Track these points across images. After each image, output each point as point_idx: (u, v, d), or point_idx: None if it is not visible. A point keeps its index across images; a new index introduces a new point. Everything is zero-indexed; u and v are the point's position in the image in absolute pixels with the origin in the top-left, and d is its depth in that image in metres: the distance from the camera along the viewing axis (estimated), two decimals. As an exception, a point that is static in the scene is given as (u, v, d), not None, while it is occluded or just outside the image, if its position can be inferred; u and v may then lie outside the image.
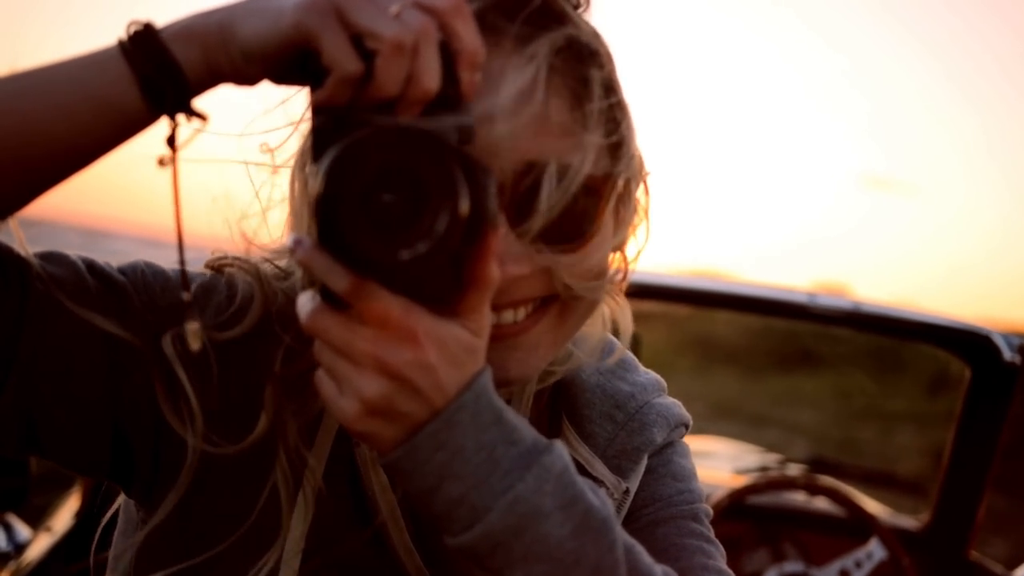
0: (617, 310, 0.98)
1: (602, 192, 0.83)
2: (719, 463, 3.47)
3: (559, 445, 0.73)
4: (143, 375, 0.83)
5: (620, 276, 0.93)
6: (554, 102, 0.79)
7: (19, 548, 2.14)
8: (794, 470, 3.55)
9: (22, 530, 2.19)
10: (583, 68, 0.81)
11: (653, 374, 1.06)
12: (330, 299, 0.68)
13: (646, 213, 0.93)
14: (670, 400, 1.04)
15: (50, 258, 0.83)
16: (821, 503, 2.96)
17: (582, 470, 0.95)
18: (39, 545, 2.14)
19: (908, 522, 3.01)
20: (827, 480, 3.00)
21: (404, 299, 0.67)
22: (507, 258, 0.79)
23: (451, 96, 0.70)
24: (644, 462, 0.99)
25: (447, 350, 0.69)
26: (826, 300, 2.83)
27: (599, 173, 0.82)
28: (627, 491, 0.97)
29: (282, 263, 0.92)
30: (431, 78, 0.68)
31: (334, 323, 0.68)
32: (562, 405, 1.00)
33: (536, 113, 0.78)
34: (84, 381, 0.81)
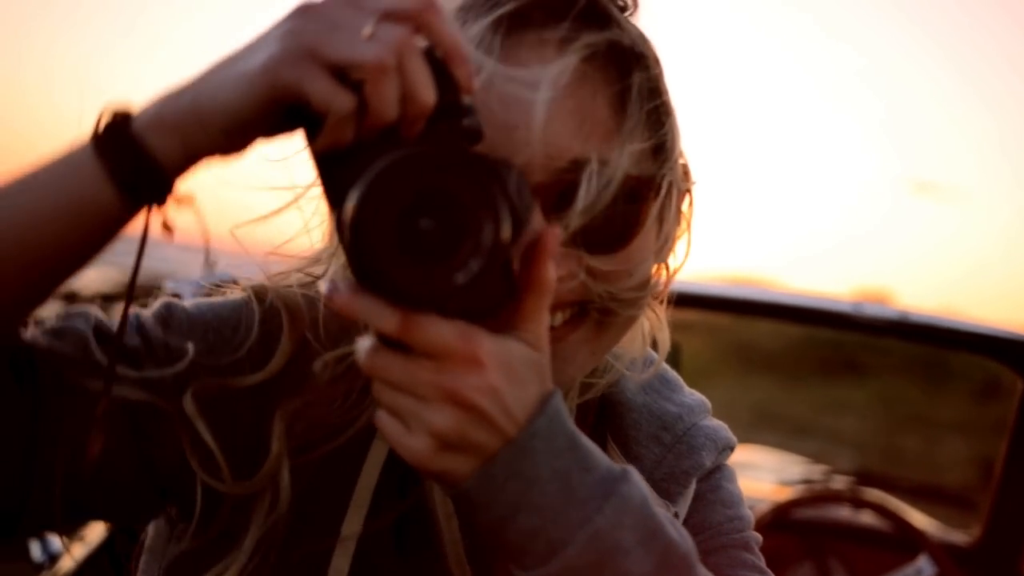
0: (656, 324, 0.95)
1: (644, 194, 0.81)
2: (761, 474, 3.42)
3: (634, 473, 0.71)
4: (169, 433, 0.81)
5: (661, 289, 0.90)
6: (596, 101, 0.78)
7: (53, 558, 2.14)
8: (839, 482, 3.48)
9: (55, 540, 2.20)
10: (627, 69, 0.79)
11: (698, 395, 1.02)
12: (384, 338, 0.66)
13: (689, 225, 0.89)
14: (716, 422, 1.01)
15: (61, 333, 0.80)
16: (868, 517, 2.89)
17: None
18: (73, 555, 2.15)
19: (958, 537, 2.93)
20: (874, 494, 2.93)
21: (460, 322, 0.65)
22: None
23: (450, 101, 0.66)
24: (693, 486, 0.95)
25: (512, 371, 0.66)
26: (872, 309, 2.77)
27: (641, 174, 0.79)
28: (675, 516, 0.93)
29: (317, 270, 0.89)
30: (426, 91, 0.65)
31: (392, 361, 0.66)
32: (607, 425, 0.97)
33: (577, 111, 0.77)
34: (112, 458, 0.79)
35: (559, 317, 0.81)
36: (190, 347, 0.83)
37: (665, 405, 0.98)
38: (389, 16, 0.64)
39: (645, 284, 0.84)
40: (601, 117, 0.78)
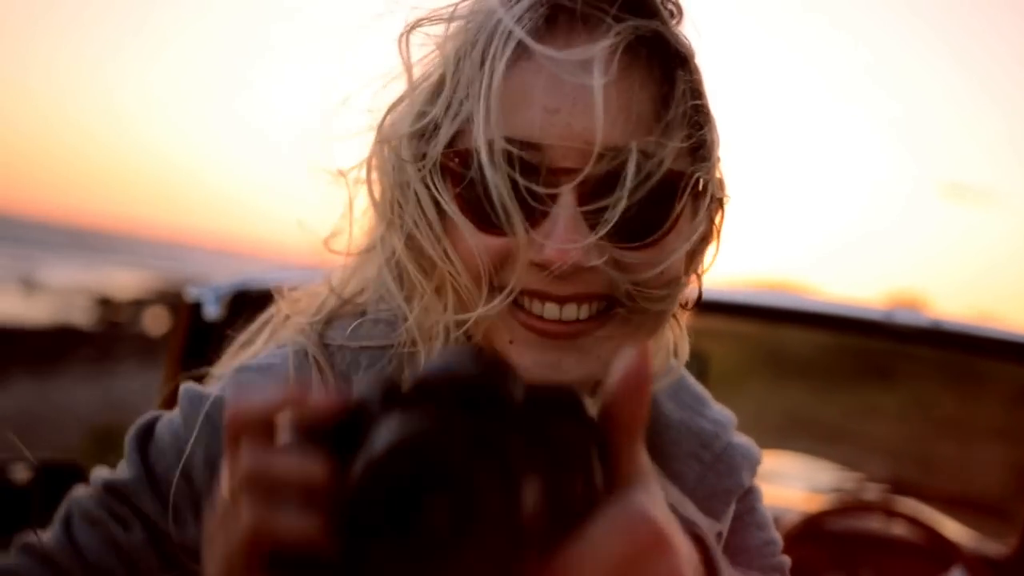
0: (678, 334, 0.95)
1: (679, 191, 0.80)
2: (792, 482, 3.38)
3: None
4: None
5: (689, 296, 0.89)
6: (639, 92, 0.77)
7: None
8: (870, 491, 3.44)
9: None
10: (671, 65, 0.79)
11: (725, 409, 1.02)
12: None
13: (719, 234, 0.89)
14: (746, 438, 1.01)
15: (69, 524, 0.80)
16: (900, 528, 2.85)
17: (671, 510, 0.92)
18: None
19: (993, 548, 2.88)
20: (906, 503, 2.89)
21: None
22: (574, 243, 0.76)
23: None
24: (733, 505, 0.96)
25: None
26: (904, 316, 2.73)
27: (678, 169, 0.79)
28: (720, 534, 0.94)
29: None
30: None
31: None
32: (645, 442, 0.96)
33: (619, 99, 0.76)
34: None
35: (585, 310, 0.80)
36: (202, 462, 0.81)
37: (700, 422, 0.98)
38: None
39: (673, 284, 0.83)
40: (644, 108, 0.78)
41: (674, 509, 0.89)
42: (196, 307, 2.28)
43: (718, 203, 0.87)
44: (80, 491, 0.83)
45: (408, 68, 0.84)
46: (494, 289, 0.80)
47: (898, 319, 2.71)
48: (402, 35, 0.84)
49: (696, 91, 0.81)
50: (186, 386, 0.85)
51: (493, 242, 0.79)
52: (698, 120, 0.81)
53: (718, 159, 0.84)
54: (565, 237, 0.75)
